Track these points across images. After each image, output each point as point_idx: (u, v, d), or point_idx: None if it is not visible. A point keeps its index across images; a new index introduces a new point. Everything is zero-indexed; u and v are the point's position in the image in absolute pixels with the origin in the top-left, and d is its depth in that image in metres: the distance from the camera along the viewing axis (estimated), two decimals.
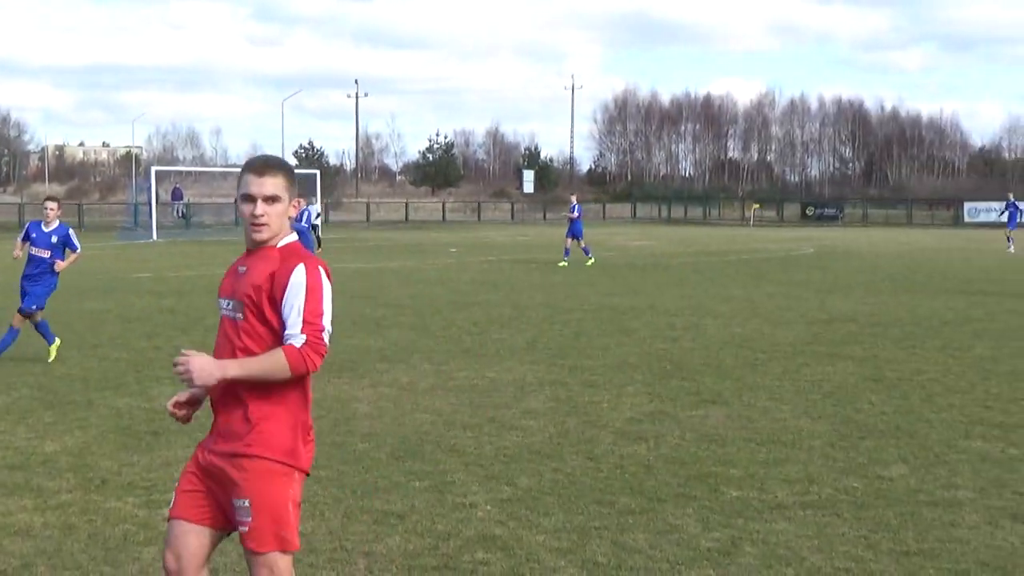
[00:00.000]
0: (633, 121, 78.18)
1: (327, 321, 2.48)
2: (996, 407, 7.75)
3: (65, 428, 6.76)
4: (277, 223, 2.51)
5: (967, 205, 52.85)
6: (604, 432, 6.84)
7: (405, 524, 4.58)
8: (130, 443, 6.34)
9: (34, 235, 9.13)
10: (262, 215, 2.46)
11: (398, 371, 9.11)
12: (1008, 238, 29.75)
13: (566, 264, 22.88)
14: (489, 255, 27.36)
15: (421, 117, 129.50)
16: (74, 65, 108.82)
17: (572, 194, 28.92)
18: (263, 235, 2.49)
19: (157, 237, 34.31)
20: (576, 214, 23.40)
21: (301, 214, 18.13)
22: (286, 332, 2.39)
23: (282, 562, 2.47)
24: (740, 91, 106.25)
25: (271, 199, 2.47)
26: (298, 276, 2.41)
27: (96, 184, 76.20)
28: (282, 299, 2.40)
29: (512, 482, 5.41)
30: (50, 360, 9.12)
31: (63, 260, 9.19)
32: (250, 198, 2.47)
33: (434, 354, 10.13)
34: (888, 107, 78.53)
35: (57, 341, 9.27)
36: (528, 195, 58.37)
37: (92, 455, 6.07)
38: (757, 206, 58.58)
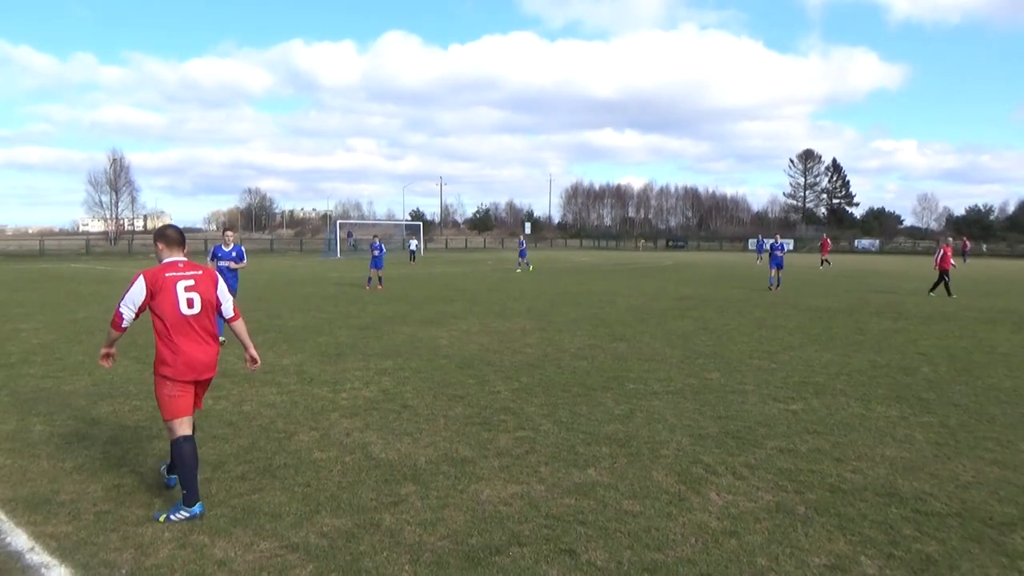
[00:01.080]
0: (580, 197, 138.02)
1: (122, 301, 4.84)
2: (766, 343, 12.37)
3: (292, 352, 11.18)
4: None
5: (749, 241, 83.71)
6: (565, 354, 10.93)
7: (463, 401, 7.94)
8: (325, 360, 10.52)
9: (220, 254, 12.44)
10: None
11: (461, 323, 14.78)
12: (822, 261, 42.79)
13: (520, 271, 35.17)
14: (506, 266, 40.01)
15: (473, 195, 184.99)
16: (296, 168, 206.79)
17: (521, 236, 47.25)
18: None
19: (340, 256, 55.76)
20: (522, 247, 38.78)
21: (373, 246, 24.15)
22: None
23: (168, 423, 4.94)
24: (634, 182, 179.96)
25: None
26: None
27: (308, 229, 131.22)
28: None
29: (518, 380, 8.99)
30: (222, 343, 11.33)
31: (235, 263, 12.44)
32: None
33: (479, 315, 16.25)
34: (709, 190, 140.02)
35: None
36: (528, 235, 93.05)
37: (306, 366, 10.10)
38: (643, 241, 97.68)
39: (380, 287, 23.18)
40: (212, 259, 12.40)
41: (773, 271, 24.83)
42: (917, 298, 21.84)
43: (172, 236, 5.14)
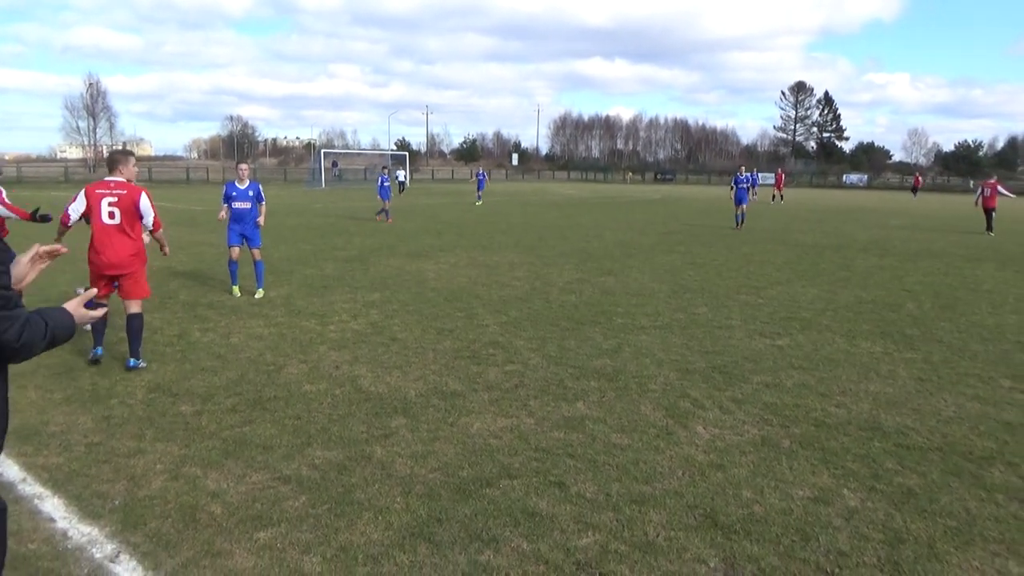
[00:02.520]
0: (568, 128, 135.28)
1: (70, 207, 6.39)
2: (753, 279, 12.42)
3: (279, 285, 11.04)
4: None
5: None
6: (553, 288, 10.91)
7: (452, 335, 7.95)
8: (312, 292, 10.47)
9: (234, 193, 10.17)
10: None
11: (448, 256, 14.70)
12: (774, 196, 43.02)
13: (480, 203, 34.15)
14: (494, 197, 39.55)
15: (460, 124, 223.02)
16: (279, 95, 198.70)
17: (479, 170, 44.20)
18: None
19: (324, 186, 54.03)
20: (480, 178, 38.12)
21: (382, 178, 23.67)
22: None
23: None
24: (624, 113, 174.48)
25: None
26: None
27: (292, 158, 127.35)
28: None
29: (507, 313, 8.99)
30: (257, 297, 9.97)
31: (259, 213, 10.25)
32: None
33: (467, 248, 16.13)
34: (699, 123, 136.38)
35: (259, 291, 10.18)
36: (515, 167, 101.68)
37: (293, 298, 10.06)
38: (631, 174, 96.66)
39: (389, 220, 23.24)
40: (225, 201, 10.28)
41: (738, 208, 23.04)
42: (904, 234, 21.94)
43: (107, 160, 6.80)
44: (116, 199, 6.41)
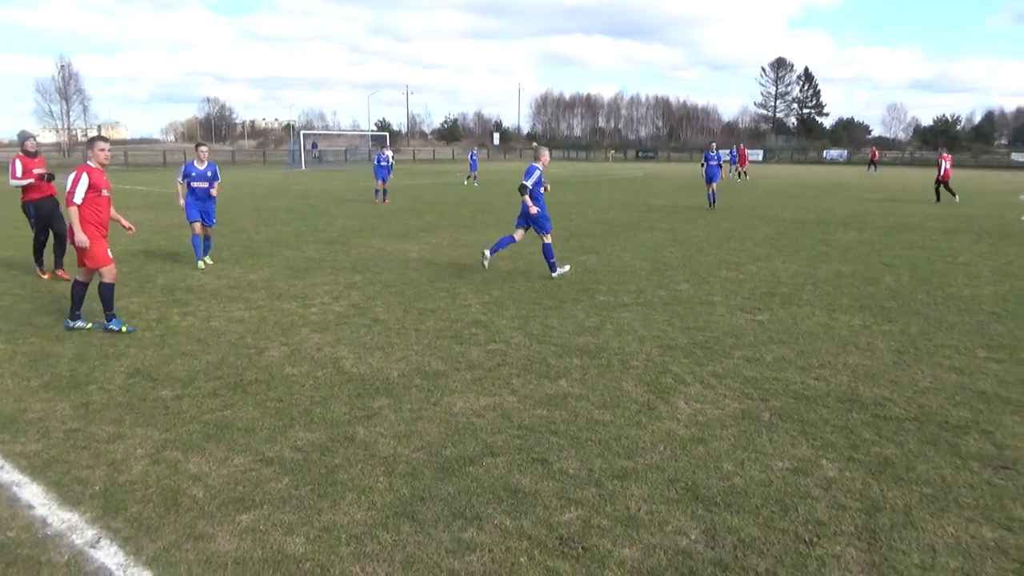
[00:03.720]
0: (550, 107, 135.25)
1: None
2: (734, 255, 12.49)
3: (259, 267, 11.00)
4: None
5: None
6: (536, 267, 10.89)
7: (435, 314, 7.93)
8: (294, 274, 10.38)
9: (194, 173, 10.85)
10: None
11: (430, 237, 14.61)
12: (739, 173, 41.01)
13: (466, 184, 33.18)
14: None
15: (441, 104, 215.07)
16: (256, 76, 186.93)
17: (473, 149, 39.26)
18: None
19: (304, 168, 53.70)
20: (473, 158, 34.92)
21: (380, 157, 23.11)
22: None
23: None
24: (605, 91, 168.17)
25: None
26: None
27: (272, 140, 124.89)
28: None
29: (489, 293, 8.99)
30: (202, 268, 10.77)
31: (214, 188, 11.03)
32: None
33: (449, 228, 16.06)
34: (681, 100, 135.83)
35: (206, 260, 11.07)
36: (496, 146, 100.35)
37: (274, 280, 9.95)
38: (613, 152, 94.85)
39: (387, 201, 23.14)
40: (184, 178, 10.90)
41: (709, 186, 21.51)
42: (883, 208, 22.11)
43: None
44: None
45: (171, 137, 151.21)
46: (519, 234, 10.19)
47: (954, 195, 24.91)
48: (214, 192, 11.07)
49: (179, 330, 7.27)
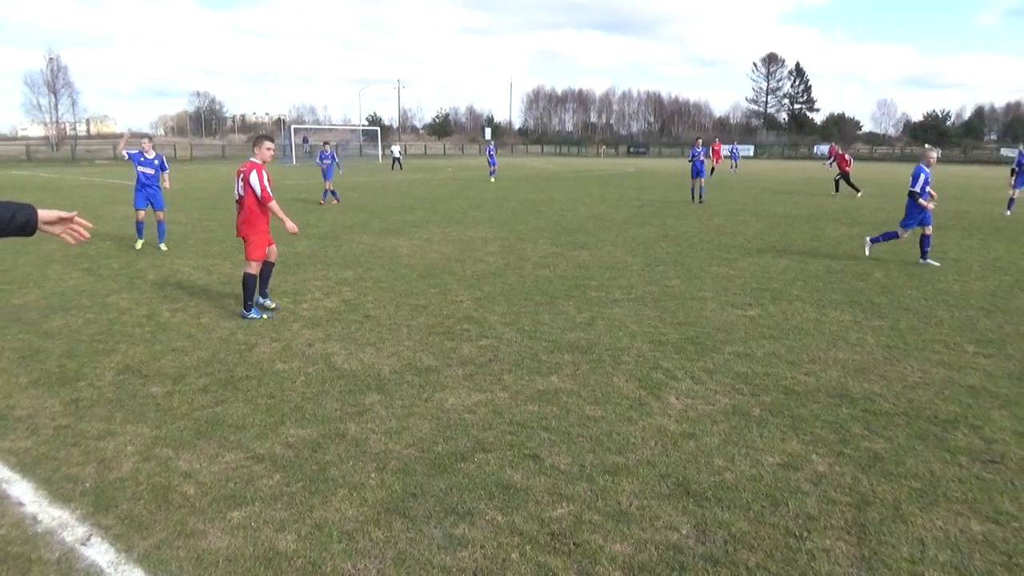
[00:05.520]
0: (542, 102, 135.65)
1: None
2: (725, 250, 12.53)
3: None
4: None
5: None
6: (527, 263, 10.90)
7: (426, 311, 7.92)
8: (285, 270, 10.37)
9: (142, 159, 12.07)
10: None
11: (422, 232, 14.57)
12: (712, 169, 40.22)
13: (494, 180, 32.81)
14: (467, 173, 39.37)
15: (432, 99, 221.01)
16: (247, 71, 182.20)
17: (491, 144, 41.60)
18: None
19: (295, 162, 53.99)
20: (491, 154, 34.30)
21: (323, 154, 21.39)
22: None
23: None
24: (597, 86, 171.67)
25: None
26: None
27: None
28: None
29: (481, 288, 8.99)
30: (163, 249, 12.07)
31: (163, 179, 12.29)
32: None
33: (440, 224, 16.04)
34: (672, 96, 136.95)
35: (160, 247, 12.13)
36: (487, 141, 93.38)
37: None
38: (604, 147, 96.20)
39: (336, 200, 20.91)
40: (138, 164, 12.05)
41: (695, 181, 22.03)
42: (872, 203, 22.20)
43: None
44: (241, 175, 7.50)
45: (161, 131, 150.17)
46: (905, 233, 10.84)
47: (856, 190, 25.38)
48: (166, 184, 12.33)
49: (169, 326, 7.24)
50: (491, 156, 33.89)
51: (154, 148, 12.38)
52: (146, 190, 12.10)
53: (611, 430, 4.79)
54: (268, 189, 7.45)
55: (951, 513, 3.78)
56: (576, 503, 3.84)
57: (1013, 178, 19.97)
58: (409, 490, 3.96)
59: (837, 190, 26.29)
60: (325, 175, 20.95)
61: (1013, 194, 19.71)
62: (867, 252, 10.59)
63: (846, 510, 3.80)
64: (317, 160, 21.53)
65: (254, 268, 7.54)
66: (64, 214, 2.54)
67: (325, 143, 24.60)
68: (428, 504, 3.82)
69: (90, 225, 2.67)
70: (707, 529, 3.61)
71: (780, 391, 5.54)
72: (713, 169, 38.08)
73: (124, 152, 12.49)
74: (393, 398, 5.33)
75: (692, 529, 3.61)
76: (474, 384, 5.64)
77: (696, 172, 22.06)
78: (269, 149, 7.73)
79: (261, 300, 7.87)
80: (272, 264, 7.93)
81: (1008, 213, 19.54)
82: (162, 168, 12.28)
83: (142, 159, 12.03)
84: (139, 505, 3.79)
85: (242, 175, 7.47)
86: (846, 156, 26.47)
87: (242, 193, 7.49)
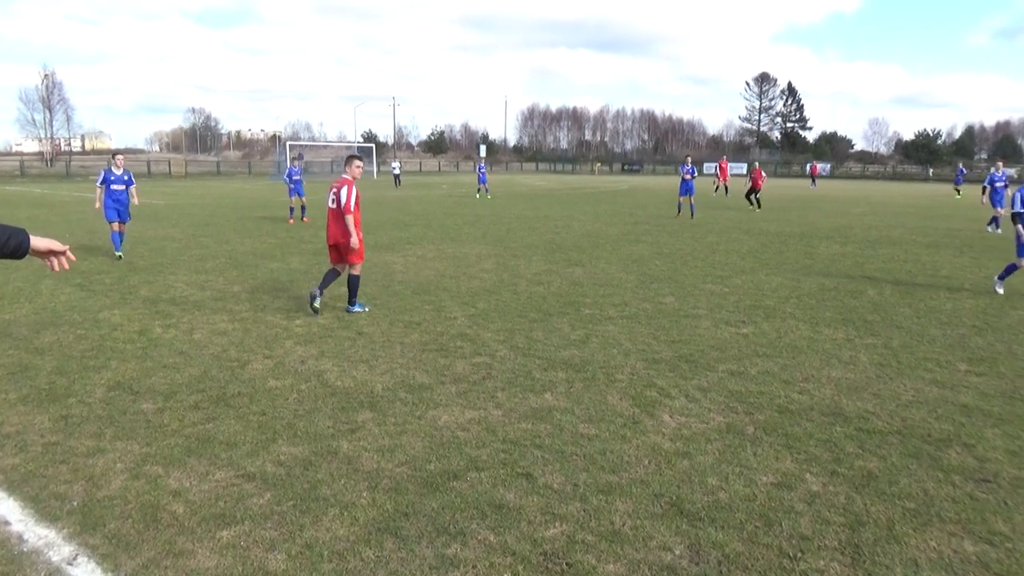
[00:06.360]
0: (536, 120, 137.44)
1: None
2: (719, 268, 12.59)
3: (243, 279, 10.95)
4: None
5: (705, 164, 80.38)
6: (521, 280, 10.94)
7: (419, 328, 7.90)
8: (278, 288, 10.22)
9: (112, 178, 12.84)
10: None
11: (416, 249, 14.65)
12: (716, 187, 39.43)
13: (479, 197, 33.01)
14: (462, 189, 40.00)
15: (428, 116, 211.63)
16: (242, 88, 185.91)
17: (482, 160, 42.30)
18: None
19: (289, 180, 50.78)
20: (482, 171, 34.50)
21: (291, 171, 20.76)
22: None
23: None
24: (591, 104, 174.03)
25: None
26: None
27: (257, 151, 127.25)
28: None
29: (475, 305, 8.98)
30: (120, 257, 12.76)
31: (132, 195, 13.07)
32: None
33: (435, 240, 16.13)
34: (666, 114, 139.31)
35: (119, 253, 12.82)
36: (482, 158, 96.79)
37: (258, 293, 9.84)
38: (599, 164, 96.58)
39: (305, 219, 20.15)
40: (102, 183, 12.74)
41: (683, 198, 23.06)
42: (865, 221, 22.33)
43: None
44: (335, 189, 8.29)
45: (156, 147, 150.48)
46: None
47: (759, 206, 26.77)
48: (135, 200, 13.19)
49: (161, 342, 7.20)
50: (481, 174, 34.05)
51: (123, 165, 13.18)
52: (117, 204, 12.79)
53: (605, 448, 4.77)
54: (351, 203, 8.16)
55: (944, 534, 3.77)
56: (569, 523, 3.82)
57: (985, 196, 20.08)
58: (401, 509, 3.93)
59: (760, 207, 26.98)
60: (298, 191, 20.12)
61: (998, 213, 19.84)
62: (1000, 291, 10.42)
63: (840, 530, 3.78)
64: (285, 177, 20.46)
65: (358, 269, 8.49)
66: (57, 247, 2.60)
67: (293, 159, 23.45)
68: (420, 524, 3.79)
69: (74, 259, 2.75)
70: (701, 550, 3.59)
71: (774, 409, 5.53)
72: (721, 188, 37.18)
73: (97, 203, 12.95)
74: (386, 415, 5.30)
75: (686, 550, 3.59)
76: (467, 402, 5.62)
77: (685, 190, 22.87)
78: (359, 167, 8.42)
79: (317, 293, 8.41)
80: (338, 273, 8.57)
81: (993, 231, 19.68)
82: (130, 183, 13.02)
83: (112, 177, 12.78)
84: (127, 524, 3.74)
85: (335, 189, 8.26)
86: (762, 172, 27.44)
87: (333, 205, 8.27)
